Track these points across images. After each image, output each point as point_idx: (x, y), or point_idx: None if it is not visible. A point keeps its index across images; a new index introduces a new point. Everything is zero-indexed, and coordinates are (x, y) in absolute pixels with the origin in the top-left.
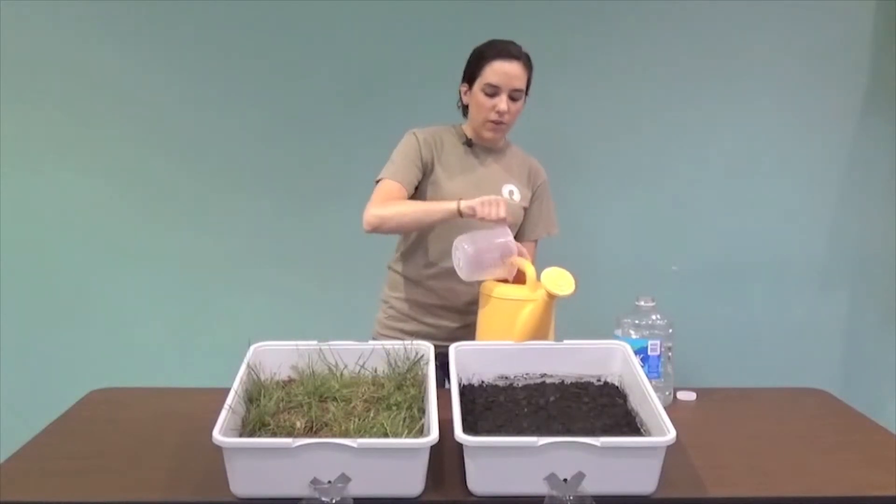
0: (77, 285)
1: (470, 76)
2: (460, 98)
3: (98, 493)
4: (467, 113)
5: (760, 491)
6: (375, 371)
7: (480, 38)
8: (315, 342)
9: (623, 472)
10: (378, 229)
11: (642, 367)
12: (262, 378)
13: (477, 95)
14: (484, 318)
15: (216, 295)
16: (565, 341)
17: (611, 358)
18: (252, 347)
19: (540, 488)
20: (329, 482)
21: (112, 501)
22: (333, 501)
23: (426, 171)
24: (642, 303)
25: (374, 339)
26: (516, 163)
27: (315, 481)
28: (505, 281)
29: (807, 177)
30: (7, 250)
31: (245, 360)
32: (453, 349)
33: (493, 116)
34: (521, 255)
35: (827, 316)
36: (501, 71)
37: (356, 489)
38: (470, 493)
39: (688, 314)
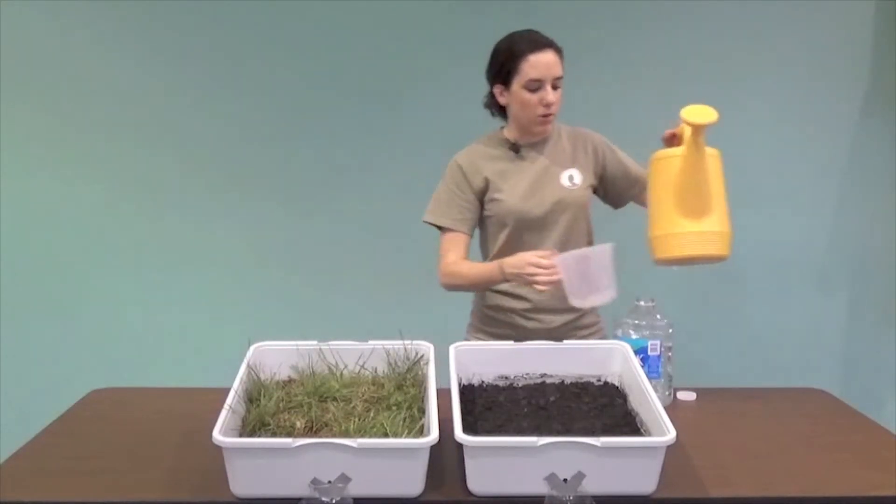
0: (77, 285)
1: (504, 76)
2: (491, 100)
3: (98, 493)
4: (501, 113)
5: (760, 491)
6: (375, 371)
7: (480, 38)
8: (315, 342)
9: (623, 472)
10: (451, 290)
11: (642, 367)
12: (262, 378)
13: (519, 94)
14: (650, 187)
15: (216, 295)
16: (565, 341)
17: (611, 358)
18: (252, 347)
19: (540, 488)
20: (329, 482)
21: (112, 501)
22: (333, 501)
23: (481, 194)
24: (642, 303)
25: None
26: (568, 143)
27: (315, 481)
28: None
29: (807, 177)
30: (7, 250)
31: (245, 360)
32: (453, 349)
33: (542, 111)
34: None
35: (827, 316)
36: (540, 64)
37: (356, 489)
38: (470, 493)
39: (688, 314)
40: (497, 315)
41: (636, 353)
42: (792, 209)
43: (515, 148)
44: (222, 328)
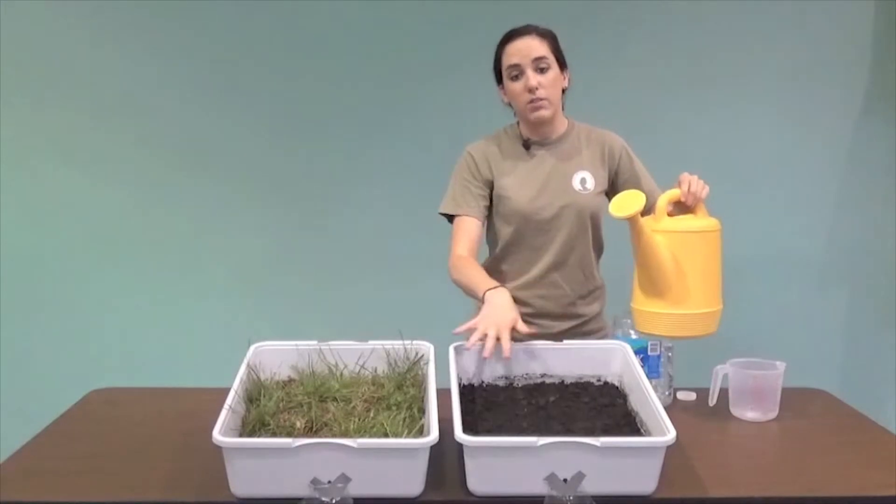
0: (77, 285)
1: (497, 76)
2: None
3: (98, 493)
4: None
5: (760, 491)
6: (375, 371)
7: (484, 37)
8: (315, 342)
9: (623, 472)
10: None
11: (642, 367)
12: (262, 378)
13: (508, 86)
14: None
15: (217, 295)
16: (565, 341)
17: (611, 358)
18: (252, 347)
19: (540, 488)
20: (329, 482)
21: (112, 501)
22: (333, 501)
23: (490, 185)
24: None
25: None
26: (584, 145)
27: (315, 481)
28: None
29: (806, 176)
30: (7, 250)
31: (245, 360)
32: (453, 349)
33: (527, 96)
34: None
35: (826, 315)
36: (514, 50)
37: (356, 489)
38: (470, 493)
39: None
40: None
41: (636, 353)
42: (792, 209)
43: (526, 145)
44: (222, 328)
